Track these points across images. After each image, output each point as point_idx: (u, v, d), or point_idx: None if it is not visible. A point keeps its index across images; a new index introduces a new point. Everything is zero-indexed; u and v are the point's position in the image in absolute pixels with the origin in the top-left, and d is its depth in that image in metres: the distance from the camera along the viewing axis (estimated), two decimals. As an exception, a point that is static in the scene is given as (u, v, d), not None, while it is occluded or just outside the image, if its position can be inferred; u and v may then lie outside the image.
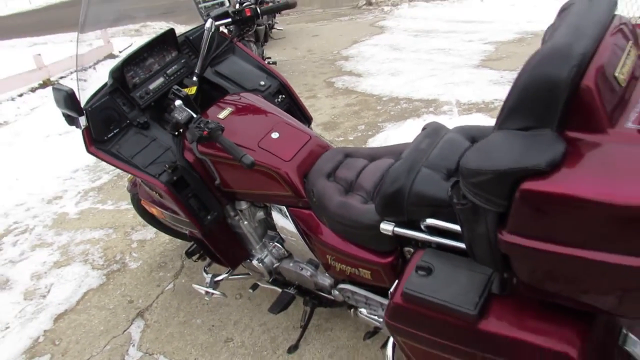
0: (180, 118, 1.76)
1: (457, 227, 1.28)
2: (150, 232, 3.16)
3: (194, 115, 1.77)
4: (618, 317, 1.18)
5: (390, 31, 7.78)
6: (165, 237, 3.05)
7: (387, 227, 1.47)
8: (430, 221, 1.36)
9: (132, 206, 3.24)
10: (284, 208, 1.89)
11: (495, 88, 4.67)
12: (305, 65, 6.54)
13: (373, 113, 4.55)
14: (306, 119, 2.30)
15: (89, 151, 1.93)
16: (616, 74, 1.00)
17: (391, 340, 1.61)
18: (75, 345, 2.35)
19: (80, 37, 1.95)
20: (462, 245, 1.28)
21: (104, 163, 4.33)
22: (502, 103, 1.06)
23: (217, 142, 1.71)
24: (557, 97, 0.96)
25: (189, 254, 2.43)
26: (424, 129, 1.63)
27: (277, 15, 8.28)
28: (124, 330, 2.39)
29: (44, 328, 2.48)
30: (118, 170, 4.20)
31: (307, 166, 1.84)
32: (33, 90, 7.07)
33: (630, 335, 1.14)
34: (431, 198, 1.36)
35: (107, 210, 3.56)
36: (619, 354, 1.16)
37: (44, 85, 7.29)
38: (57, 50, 8.82)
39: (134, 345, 2.29)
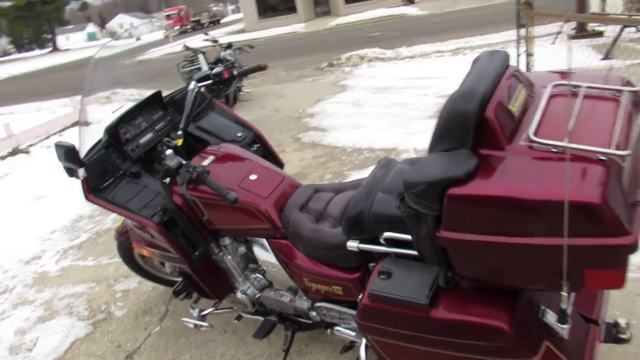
0: (171, 164, 2.03)
1: (408, 237, 1.56)
2: (133, 282, 3.31)
3: (183, 162, 2.04)
4: (537, 294, 1.46)
5: (352, 89, 8.32)
6: (148, 286, 3.21)
7: (352, 244, 1.74)
8: (388, 234, 1.64)
9: (113, 260, 3.43)
10: (264, 240, 2.14)
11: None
12: (272, 123, 6.92)
13: (338, 163, 4.90)
14: (279, 164, 2.60)
15: (87, 199, 2.15)
16: (510, 107, 1.35)
17: (363, 343, 1.85)
18: (67, 390, 2.46)
19: (82, 101, 2.22)
20: (414, 252, 1.56)
21: (81, 222, 4.51)
22: None
23: (204, 183, 1.98)
24: (468, 125, 1.30)
25: (176, 293, 2.61)
26: (378, 162, 1.94)
27: (243, 79, 8.78)
28: (115, 373, 2.52)
29: (34, 378, 2.58)
30: (97, 228, 4.37)
31: (283, 202, 2.12)
32: (3, 158, 7.21)
33: (547, 309, 1.41)
34: (387, 215, 1.65)
35: (89, 266, 3.69)
36: (540, 325, 1.42)
37: (13, 153, 7.45)
38: (24, 119, 9.06)
39: (125, 385, 2.43)
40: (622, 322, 1.73)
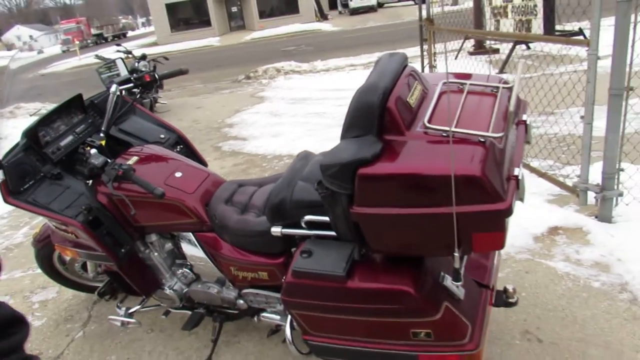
0: (96, 163, 2.08)
1: (327, 219, 1.76)
2: (51, 292, 3.24)
3: (109, 160, 2.11)
4: (437, 262, 1.71)
5: (270, 100, 8.52)
6: (68, 294, 3.15)
7: (276, 229, 1.91)
8: (308, 217, 1.83)
9: (28, 273, 3.33)
10: (190, 235, 2.25)
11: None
12: (192, 133, 6.92)
13: (259, 169, 5.04)
14: (202, 163, 2.71)
15: (6, 201, 2.14)
16: (408, 100, 1.60)
17: (288, 322, 2.01)
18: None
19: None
20: (333, 233, 1.76)
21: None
22: None
23: (130, 180, 2.06)
24: (373, 114, 1.53)
25: (101, 294, 2.63)
26: (297, 156, 2.13)
27: (159, 90, 8.68)
28: (37, 379, 2.47)
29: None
30: (7, 243, 4.19)
31: (208, 196, 2.24)
32: None
33: (446, 275, 1.66)
34: (306, 201, 1.84)
35: (1, 281, 3.54)
36: (440, 288, 1.66)
37: None
38: None
39: (50, 389, 2.40)
40: (510, 288, 2.04)
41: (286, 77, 10.38)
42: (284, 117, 7.12)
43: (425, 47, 5.05)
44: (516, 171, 1.48)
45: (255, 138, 6.22)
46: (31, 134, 2.25)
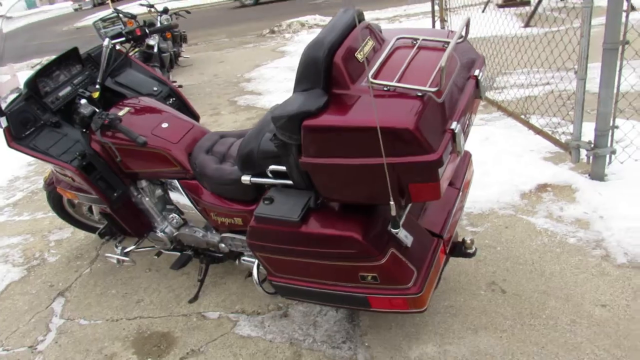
0: (85, 112, 2.25)
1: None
2: (67, 232, 3.52)
3: (97, 110, 2.27)
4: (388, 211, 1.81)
5: (290, 55, 8.52)
6: (81, 235, 3.43)
7: (245, 178, 2.05)
8: (272, 167, 1.95)
9: (48, 215, 3.60)
10: (176, 182, 2.42)
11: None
12: (210, 87, 7.07)
13: (269, 123, 5.16)
14: (194, 116, 2.85)
15: (10, 146, 2.35)
16: (356, 55, 1.67)
17: (256, 262, 2.18)
18: (2, 323, 2.69)
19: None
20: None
21: (17, 183, 4.62)
22: None
23: (116, 129, 2.22)
24: (318, 68, 1.61)
25: (102, 234, 2.87)
26: (270, 109, 2.24)
27: (183, 44, 8.79)
28: (47, 307, 2.77)
29: (-30, 316, 2.80)
30: (32, 187, 4.50)
31: (191, 146, 2.39)
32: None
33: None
34: (271, 151, 1.95)
35: (24, 221, 3.86)
36: (388, 236, 1.77)
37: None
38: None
39: (56, 316, 2.68)
40: (467, 239, 2.13)
41: (309, 32, 10.29)
42: (302, 72, 7.13)
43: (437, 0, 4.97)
44: (453, 124, 1.55)
45: (270, 93, 6.31)
46: (31, 84, 2.43)
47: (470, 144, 3.48)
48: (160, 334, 2.43)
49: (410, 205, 1.82)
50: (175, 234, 2.60)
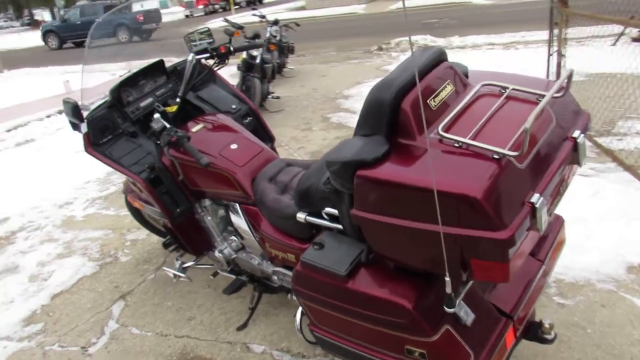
0: (156, 127, 2.26)
1: None
2: (142, 233, 3.62)
3: (167, 126, 2.26)
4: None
5: (393, 75, 8.31)
6: (154, 238, 3.50)
7: (301, 215, 1.91)
8: (328, 209, 1.79)
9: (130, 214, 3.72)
10: (237, 205, 2.34)
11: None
12: (307, 101, 7.08)
13: (357, 145, 5.00)
14: (269, 138, 2.78)
15: (86, 151, 2.42)
16: (429, 101, 1.46)
17: (300, 308, 2.02)
18: (66, 317, 2.79)
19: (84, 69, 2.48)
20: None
21: (113, 176, 4.88)
22: None
23: (182, 147, 2.19)
24: (383, 113, 1.42)
25: (166, 245, 2.89)
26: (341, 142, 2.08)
27: (289, 55, 8.96)
28: (107, 308, 2.83)
29: (42, 303, 2.94)
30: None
31: (256, 172, 2.30)
32: (60, 112, 7.79)
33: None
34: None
35: (109, 215, 4.05)
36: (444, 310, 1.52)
37: (68, 108, 8.03)
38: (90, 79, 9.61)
39: (113, 319, 2.73)
40: (546, 322, 1.81)
41: (417, 52, 10.01)
42: (401, 94, 6.90)
43: (556, 32, 4.50)
44: (534, 197, 1.28)
45: (365, 113, 6.15)
46: (115, 93, 2.50)
47: (572, 198, 3.07)
48: (201, 359, 2.36)
49: (472, 281, 1.56)
50: (233, 256, 2.53)
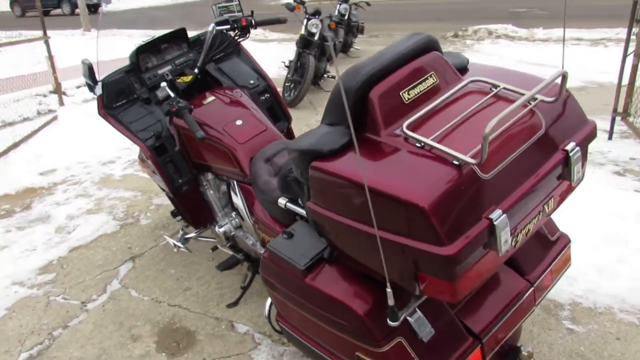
0: (160, 95, 2.23)
1: None
2: (167, 199, 3.69)
3: (171, 95, 2.24)
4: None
5: (461, 64, 7.90)
6: (177, 205, 3.56)
7: (282, 201, 1.83)
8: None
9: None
10: (235, 182, 2.29)
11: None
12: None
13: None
14: (286, 117, 2.70)
15: (99, 114, 2.46)
16: (402, 93, 1.30)
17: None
18: (76, 271, 2.91)
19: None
20: None
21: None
22: None
23: (182, 118, 2.16)
24: (347, 102, 1.29)
25: (173, 214, 2.91)
26: None
27: (358, 35, 8.75)
28: (115, 267, 2.91)
29: (59, 255, 3.08)
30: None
31: (256, 150, 2.23)
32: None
33: (416, 309, 1.37)
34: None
35: (143, 178, 4.16)
36: (402, 322, 1.39)
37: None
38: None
39: (117, 279, 2.80)
40: (524, 350, 1.64)
41: (493, 42, 9.45)
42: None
43: (635, 30, 4.02)
44: (494, 214, 1.11)
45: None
46: (134, 58, 2.50)
47: (617, 216, 2.76)
48: (186, 331, 2.37)
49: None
50: (232, 233, 2.50)
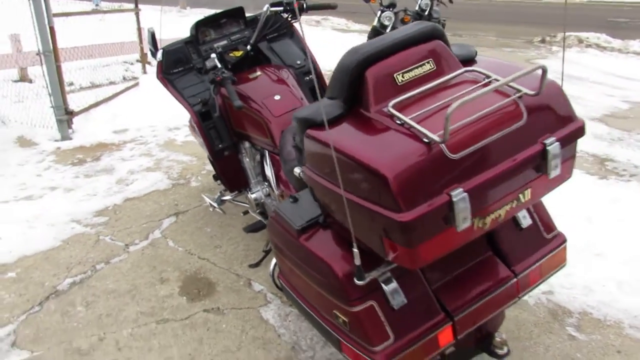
0: (208, 65, 2.45)
1: None
2: (218, 166, 3.97)
3: (218, 66, 2.44)
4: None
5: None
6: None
7: (297, 170, 1.97)
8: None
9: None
10: (266, 152, 2.48)
11: (596, 142, 4.56)
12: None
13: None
14: (324, 98, 2.84)
15: (157, 77, 2.73)
16: (397, 75, 1.41)
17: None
18: (127, 218, 3.24)
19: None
20: None
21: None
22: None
23: (224, 87, 2.37)
24: (344, 78, 1.42)
25: (215, 177, 3.15)
26: None
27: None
28: (160, 220, 3.21)
29: (115, 202, 3.44)
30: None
31: (288, 124, 2.39)
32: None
33: (393, 278, 1.48)
34: None
35: (195, 144, 4.47)
36: (375, 286, 1.50)
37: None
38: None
39: (159, 230, 3.10)
40: (498, 336, 1.69)
41: (580, 50, 8.96)
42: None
43: None
44: (455, 191, 1.20)
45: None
46: (194, 30, 2.74)
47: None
48: (208, 282, 2.60)
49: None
50: (262, 200, 2.69)
